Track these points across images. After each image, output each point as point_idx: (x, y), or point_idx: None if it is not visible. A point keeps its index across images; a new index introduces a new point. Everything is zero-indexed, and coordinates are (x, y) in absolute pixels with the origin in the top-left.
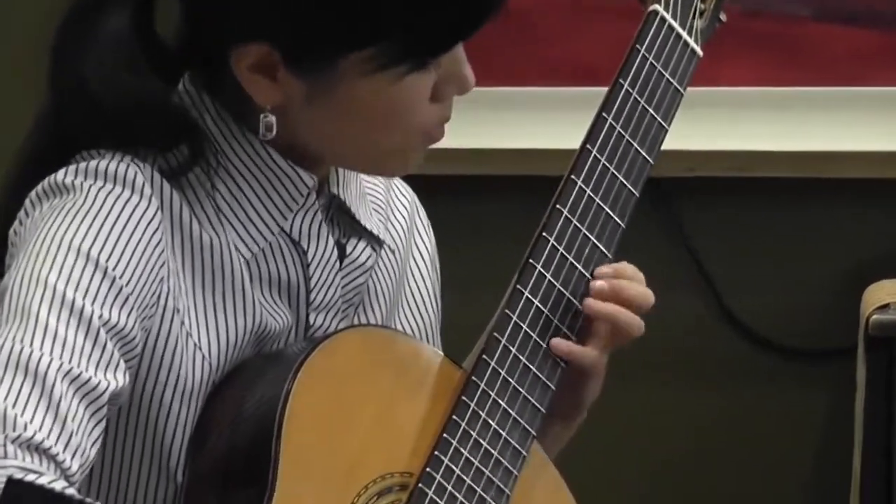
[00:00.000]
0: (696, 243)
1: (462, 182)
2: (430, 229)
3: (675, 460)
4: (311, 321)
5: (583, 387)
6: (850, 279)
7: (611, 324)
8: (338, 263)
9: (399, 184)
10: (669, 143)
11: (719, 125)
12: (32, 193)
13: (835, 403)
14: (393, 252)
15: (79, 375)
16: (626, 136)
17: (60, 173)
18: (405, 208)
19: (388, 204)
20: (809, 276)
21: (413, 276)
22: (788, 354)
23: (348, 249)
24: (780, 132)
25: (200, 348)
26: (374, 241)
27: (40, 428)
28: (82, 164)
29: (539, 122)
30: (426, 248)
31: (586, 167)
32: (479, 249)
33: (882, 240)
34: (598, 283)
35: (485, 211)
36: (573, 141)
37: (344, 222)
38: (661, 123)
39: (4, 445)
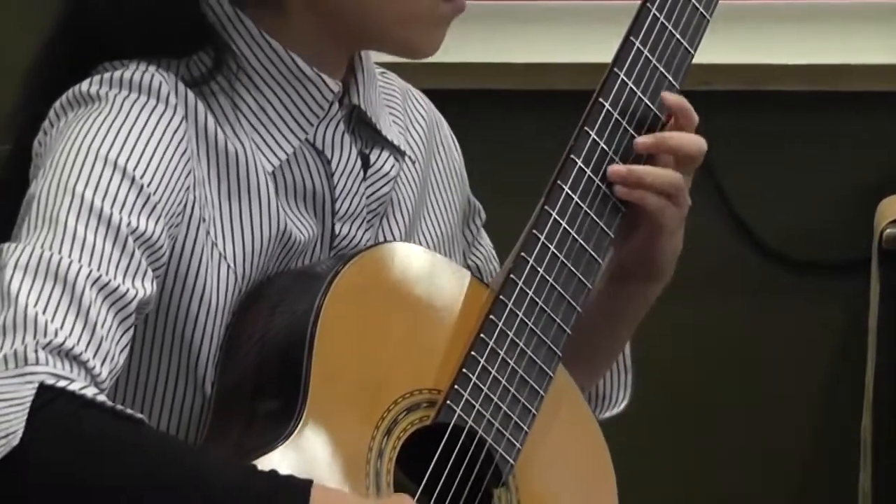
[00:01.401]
0: (711, 157)
1: (480, 96)
2: (454, 139)
3: (685, 372)
4: (337, 231)
5: (654, 243)
6: (865, 192)
7: (645, 210)
8: (362, 173)
9: (416, 94)
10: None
11: (734, 39)
12: (57, 104)
13: (848, 317)
14: (414, 163)
15: (107, 283)
16: (653, 61)
17: (85, 84)
18: (423, 117)
19: (406, 115)
20: (823, 189)
21: (433, 186)
22: (802, 268)
23: (372, 159)
24: (795, 45)
25: (226, 258)
26: (396, 152)
27: (70, 334)
28: (106, 75)
29: (554, 35)
30: (448, 157)
31: (613, 90)
32: (502, 164)
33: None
34: (616, 168)
35: (504, 126)
36: (589, 55)
37: (365, 133)
38: (686, 48)
39: (36, 351)
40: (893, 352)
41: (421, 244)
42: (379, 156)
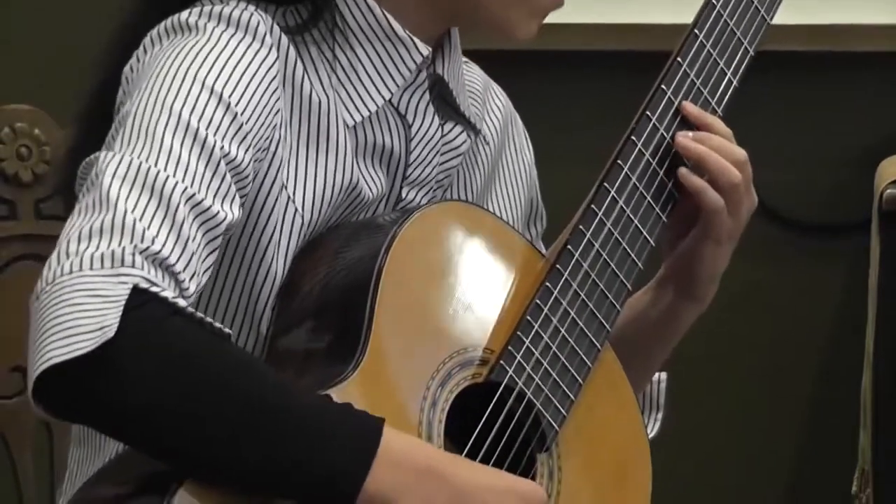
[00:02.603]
0: None
1: (553, 57)
2: (528, 139)
3: (687, 335)
4: (404, 195)
5: (698, 249)
6: (864, 153)
7: (699, 198)
8: (439, 143)
9: (496, 88)
10: (683, 19)
11: None
12: (153, 31)
13: (848, 278)
14: (487, 144)
15: (200, 202)
16: (714, 55)
17: (185, 13)
18: (500, 109)
19: (484, 100)
20: (823, 150)
21: (501, 176)
22: (802, 229)
23: (445, 130)
24: (795, 5)
25: (293, 201)
26: (471, 129)
27: (164, 244)
28: (206, 8)
29: None
30: (519, 153)
31: (676, 78)
32: (565, 126)
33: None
34: (681, 141)
35: (572, 87)
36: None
37: (443, 108)
38: (764, 16)
39: (133, 255)
40: (893, 312)
41: None
42: (452, 129)
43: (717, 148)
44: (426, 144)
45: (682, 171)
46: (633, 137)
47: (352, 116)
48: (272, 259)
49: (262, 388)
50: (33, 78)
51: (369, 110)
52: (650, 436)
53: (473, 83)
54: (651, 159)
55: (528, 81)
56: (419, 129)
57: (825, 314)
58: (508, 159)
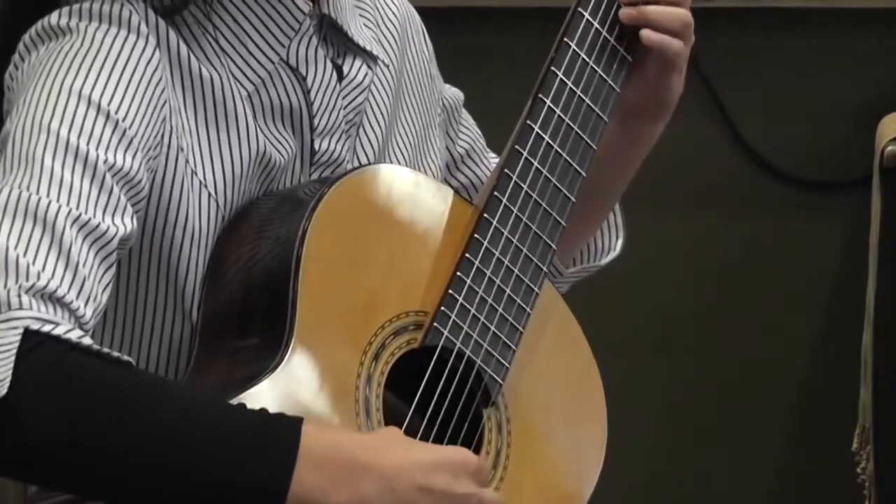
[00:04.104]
0: (712, 75)
1: (465, 13)
2: (424, 31)
3: (688, 289)
4: (317, 147)
5: (664, 80)
6: (865, 110)
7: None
8: (338, 86)
9: None
10: None
11: None
12: (26, 37)
13: (849, 234)
14: (387, 66)
15: (88, 221)
16: None
17: (53, 16)
18: (395, 15)
19: (376, 13)
20: (824, 107)
21: (407, 86)
22: (804, 185)
23: (345, 70)
24: None
25: (206, 185)
26: (369, 58)
27: (52, 276)
28: (75, 6)
29: None
30: (419, 52)
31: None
32: (484, 82)
33: None
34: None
35: (489, 43)
36: None
37: (337, 41)
38: None
39: (19, 296)
40: (893, 268)
41: (398, 146)
42: (352, 66)
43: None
44: (325, 91)
45: (644, 32)
46: (579, 9)
47: (244, 86)
48: (191, 248)
49: (171, 413)
50: None
51: (260, 76)
52: (617, 253)
53: (363, 3)
54: (600, 27)
55: (480, 36)
56: (314, 78)
57: (826, 270)
58: (411, 62)
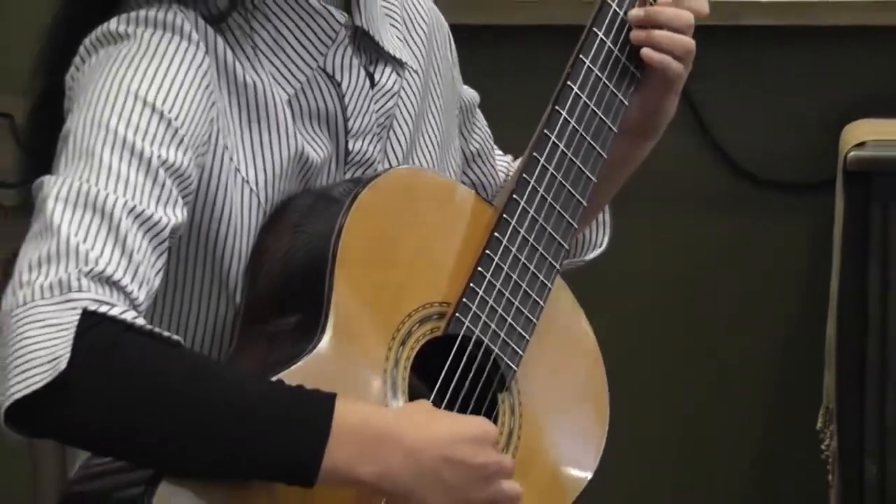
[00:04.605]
0: (690, 86)
1: (493, 30)
2: (450, 36)
3: (665, 284)
4: (350, 147)
5: (662, 101)
6: (830, 119)
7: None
8: (370, 92)
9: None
10: None
11: None
12: (87, 41)
13: (816, 231)
14: (415, 72)
15: (142, 212)
16: None
17: (113, 22)
18: (424, 21)
19: (405, 24)
20: (794, 115)
21: (433, 90)
22: (774, 187)
23: (376, 77)
24: None
25: (248, 182)
26: (398, 65)
27: (109, 261)
28: (132, 13)
29: None
30: (443, 57)
31: (606, 21)
32: (507, 92)
33: (859, 82)
34: (634, 13)
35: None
36: None
37: (369, 49)
38: None
39: (79, 279)
40: (855, 263)
41: (425, 147)
42: (383, 73)
43: (668, 22)
44: (358, 96)
45: (645, 50)
46: (594, 28)
47: (284, 90)
48: (235, 240)
49: (215, 390)
50: None
51: (300, 81)
52: (602, 249)
53: (391, 9)
54: (613, 46)
55: (514, 54)
56: (349, 84)
57: (794, 265)
58: (436, 66)
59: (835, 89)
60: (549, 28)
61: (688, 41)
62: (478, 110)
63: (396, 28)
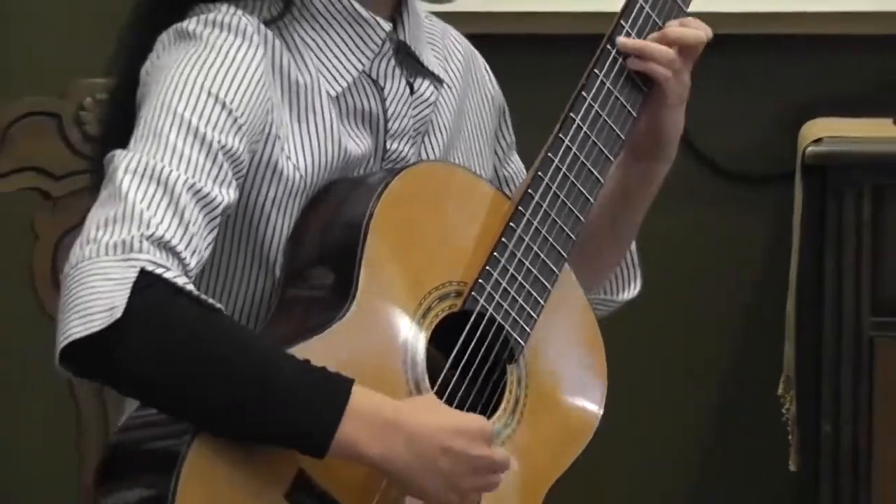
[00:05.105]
0: None
1: (519, 39)
2: (489, 72)
3: (643, 266)
4: (388, 147)
5: (660, 115)
6: (790, 118)
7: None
8: (409, 98)
9: (454, 34)
10: None
11: None
12: (164, 37)
13: (777, 219)
14: (451, 88)
15: (200, 189)
16: (653, 16)
17: (186, 22)
18: (461, 54)
19: (444, 51)
20: (758, 115)
21: (469, 111)
22: (740, 179)
23: (415, 87)
24: None
25: (298, 168)
26: (436, 80)
27: (168, 228)
28: (202, 16)
29: None
30: (481, 87)
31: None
32: (529, 97)
33: (816, 85)
34: (624, 41)
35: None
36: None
37: (410, 64)
38: (681, 7)
39: (140, 241)
40: (812, 247)
41: (456, 160)
42: (421, 84)
43: (658, 40)
44: (398, 101)
45: (630, 59)
46: (607, 46)
47: (332, 88)
48: (278, 218)
49: (248, 358)
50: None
51: (347, 81)
52: (635, 294)
53: (433, 35)
54: (622, 74)
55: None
56: (390, 90)
57: (758, 249)
58: (472, 94)
59: (794, 91)
60: (570, 37)
61: (666, 50)
62: (514, 151)
63: (436, 52)
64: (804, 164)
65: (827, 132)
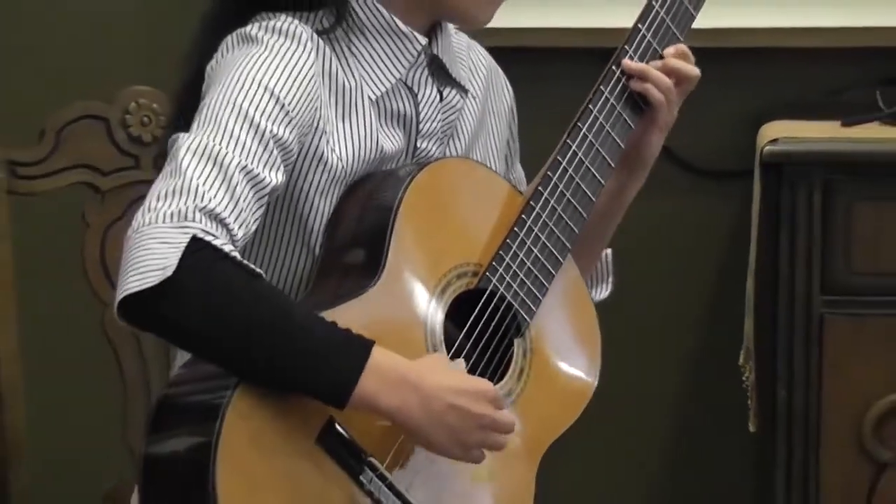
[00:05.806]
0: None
1: (531, 51)
2: (507, 85)
3: (615, 253)
4: (418, 145)
5: (647, 136)
6: (750, 119)
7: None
8: (439, 104)
9: (479, 48)
10: (622, 23)
11: None
12: (229, 39)
13: (738, 211)
14: (474, 98)
15: (251, 171)
16: (668, 21)
17: (249, 27)
18: (484, 67)
19: (469, 63)
20: (721, 116)
21: (489, 119)
22: (704, 174)
23: (444, 94)
24: (704, 13)
25: (341, 159)
26: (462, 90)
27: (220, 203)
28: (264, 23)
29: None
30: (499, 99)
31: (649, 18)
32: (541, 106)
33: (773, 92)
34: (627, 62)
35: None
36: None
37: (441, 75)
38: (691, 13)
39: (194, 212)
40: (769, 234)
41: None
42: (450, 92)
43: (659, 69)
44: (430, 106)
45: (633, 83)
46: (613, 67)
47: (373, 92)
48: (320, 202)
49: (283, 317)
50: (152, 65)
51: (385, 87)
52: (605, 296)
53: (461, 50)
54: (627, 83)
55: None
56: (423, 96)
57: (721, 236)
58: (492, 105)
59: (754, 98)
60: (580, 50)
61: (665, 79)
62: (517, 161)
63: (463, 65)
64: (762, 162)
65: (782, 133)
